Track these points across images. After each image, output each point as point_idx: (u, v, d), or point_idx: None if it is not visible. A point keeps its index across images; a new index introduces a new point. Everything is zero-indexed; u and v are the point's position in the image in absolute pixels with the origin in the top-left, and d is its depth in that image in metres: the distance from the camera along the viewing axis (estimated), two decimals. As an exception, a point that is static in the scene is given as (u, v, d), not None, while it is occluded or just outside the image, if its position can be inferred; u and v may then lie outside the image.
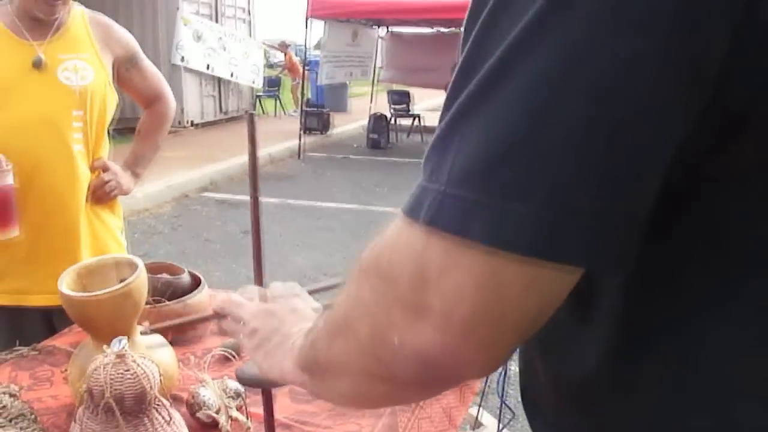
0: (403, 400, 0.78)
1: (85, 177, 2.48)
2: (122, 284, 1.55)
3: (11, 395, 1.76)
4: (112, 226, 2.68)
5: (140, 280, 1.59)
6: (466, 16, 0.64)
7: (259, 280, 1.27)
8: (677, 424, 0.71)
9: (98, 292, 1.55)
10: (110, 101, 2.54)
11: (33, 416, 1.68)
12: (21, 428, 1.62)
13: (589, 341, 0.75)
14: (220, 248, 7.27)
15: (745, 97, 0.58)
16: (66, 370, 1.86)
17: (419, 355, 0.64)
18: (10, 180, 2.19)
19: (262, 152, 12.17)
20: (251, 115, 1.14)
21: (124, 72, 2.62)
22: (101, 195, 2.55)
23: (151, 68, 2.77)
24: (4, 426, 1.62)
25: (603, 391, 0.76)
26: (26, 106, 2.32)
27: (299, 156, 13.17)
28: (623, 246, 0.58)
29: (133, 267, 1.64)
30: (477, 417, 2.79)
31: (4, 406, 1.70)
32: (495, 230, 0.56)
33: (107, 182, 2.55)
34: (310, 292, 1.18)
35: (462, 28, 0.65)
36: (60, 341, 2.16)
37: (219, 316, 1.17)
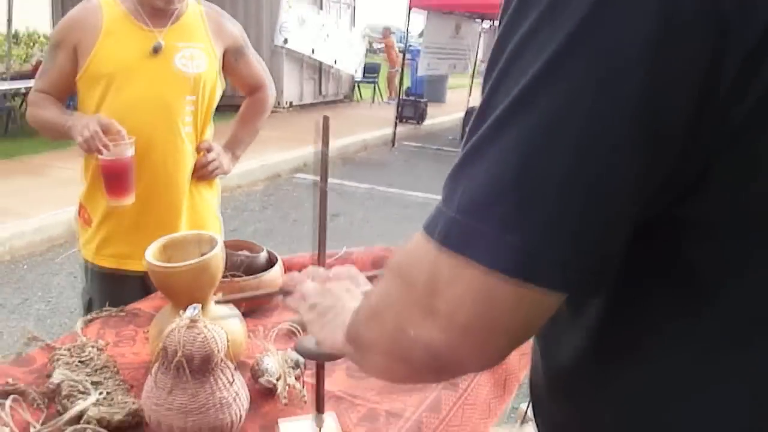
0: (422, 381, 0.92)
1: (191, 156, 2.68)
2: (201, 258, 1.72)
3: (98, 349, 1.94)
4: (210, 202, 2.87)
5: (217, 256, 1.75)
6: (490, 55, 0.76)
7: (322, 262, 1.41)
8: (648, 418, 0.83)
9: (179, 264, 1.72)
10: (218, 88, 2.73)
11: (115, 369, 1.86)
12: (104, 378, 1.80)
13: (575, 335, 0.87)
14: (307, 229, 7.31)
15: (707, 152, 0.68)
16: (147, 331, 2.04)
17: (428, 348, 0.77)
18: (131, 152, 2.39)
19: (356, 138, 12.31)
20: (326, 119, 1.27)
21: (231, 62, 2.79)
22: (204, 174, 2.74)
23: (256, 58, 2.93)
24: (90, 375, 1.80)
25: (583, 380, 0.88)
26: (144, 89, 2.52)
27: (393, 144, 13.25)
28: (596, 276, 0.70)
29: (213, 243, 1.80)
30: (525, 412, 2.86)
31: (91, 358, 1.89)
32: (490, 254, 0.68)
33: (211, 162, 2.73)
34: (367, 278, 1.31)
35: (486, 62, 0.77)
36: (145, 305, 2.34)
37: (284, 292, 1.31)
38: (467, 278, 0.70)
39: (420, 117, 15.42)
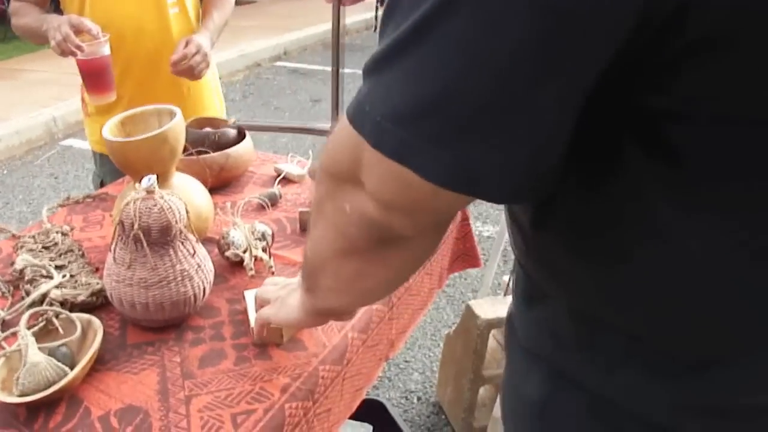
0: (373, 275, 0.89)
1: (181, 37, 2.53)
2: (158, 130, 1.63)
3: (63, 234, 1.90)
4: (210, 84, 2.81)
5: (177, 127, 1.66)
6: None
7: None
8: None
9: (136, 137, 1.64)
10: None
11: (80, 252, 1.81)
12: (69, 261, 1.75)
13: (552, 211, 0.85)
14: (288, 116, 7.34)
15: (678, 46, 0.61)
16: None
17: (363, 216, 0.79)
18: (107, 50, 2.32)
19: (337, 23, 12.14)
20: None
21: None
22: (184, 70, 2.46)
23: None
24: (53, 259, 1.76)
25: (558, 247, 0.88)
26: None
27: (375, 29, 13.03)
28: (527, 191, 0.71)
29: (173, 115, 1.72)
30: (508, 284, 2.87)
31: (56, 243, 1.84)
32: (422, 165, 0.68)
33: (192, 55, 2.45)
34: None
35: None
36: (112, 189, 2.30)
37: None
38: (389, 170, 0.71)
39: (402, 0, 15.09)
